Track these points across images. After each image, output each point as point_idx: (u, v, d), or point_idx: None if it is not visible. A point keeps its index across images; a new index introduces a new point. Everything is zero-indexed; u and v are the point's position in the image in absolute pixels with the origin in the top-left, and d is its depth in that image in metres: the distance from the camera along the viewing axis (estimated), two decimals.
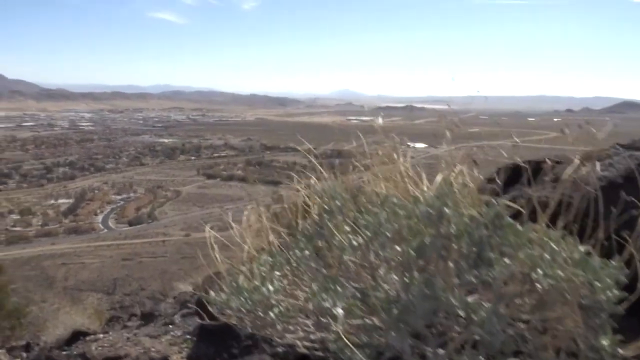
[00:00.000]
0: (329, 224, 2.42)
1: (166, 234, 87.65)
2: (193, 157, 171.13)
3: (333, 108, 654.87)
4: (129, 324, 6.34)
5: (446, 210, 1.96)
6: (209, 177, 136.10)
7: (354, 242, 2.24)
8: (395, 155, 3.12)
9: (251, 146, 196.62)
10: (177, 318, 5.30)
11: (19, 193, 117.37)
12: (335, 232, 2.35)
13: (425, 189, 2.65)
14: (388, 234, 2.12)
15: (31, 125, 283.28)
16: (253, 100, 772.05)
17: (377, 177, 3.01)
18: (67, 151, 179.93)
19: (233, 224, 3.12)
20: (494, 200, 1.99)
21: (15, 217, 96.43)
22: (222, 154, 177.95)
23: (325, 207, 2.58)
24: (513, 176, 3.30)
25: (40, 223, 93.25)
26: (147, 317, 6.18)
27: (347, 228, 2.33)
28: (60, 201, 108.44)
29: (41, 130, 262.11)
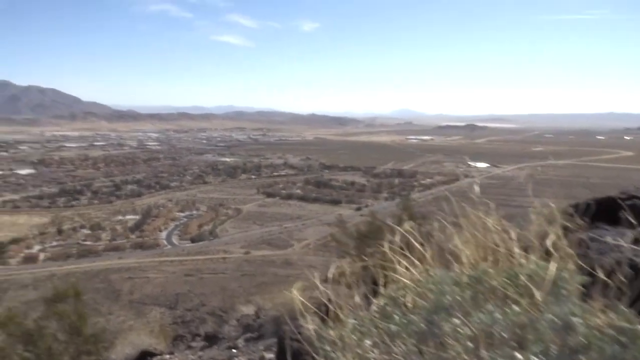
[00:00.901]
0: (443, 324, 2.16)
1: (227, 251, 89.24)
2: (253, 176, 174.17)
3: (392, 127, 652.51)
4: (193, 344, 6.44)
5: (573, 319, 1.77)
6: (269, 195, 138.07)
7: (469, 344, 2.03)
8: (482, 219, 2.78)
9: (310, 165, 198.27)
10: (240, 342, 5.32)
11: (90, 209, 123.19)
12: (451, 336, 2.10)
13: (524, 261, 2.34)
14: (505, 334, 1.93)
15: (102, 145, 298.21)
16: (312, 120, 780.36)
17: (469, 244, 2.72)
18: (135, 169, 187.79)
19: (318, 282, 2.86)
20: (623, 308, 1.77)
21: (86, 231, 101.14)
22: (282, 173, 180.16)
23: (433, 303, 2.28)
24: (602, 211, 2.90)
25: (108, 238, 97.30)
26: (211, 339, 6.25)
27: (461, 330, 2.10)
28: (128, 217, 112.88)
29: (111, 149, 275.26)
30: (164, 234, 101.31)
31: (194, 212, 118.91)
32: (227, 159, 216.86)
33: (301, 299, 2.75)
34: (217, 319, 42.30)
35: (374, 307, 2.48)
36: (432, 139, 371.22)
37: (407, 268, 2.59)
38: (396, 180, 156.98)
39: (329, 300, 2.64)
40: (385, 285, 2.62)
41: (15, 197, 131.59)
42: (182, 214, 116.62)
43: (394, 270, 2.63)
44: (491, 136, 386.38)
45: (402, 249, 2.82)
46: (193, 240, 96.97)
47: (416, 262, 2.64)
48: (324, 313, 2.58)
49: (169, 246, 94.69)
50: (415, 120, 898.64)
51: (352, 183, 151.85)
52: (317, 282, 2.91)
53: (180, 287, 65.84)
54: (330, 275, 2.84)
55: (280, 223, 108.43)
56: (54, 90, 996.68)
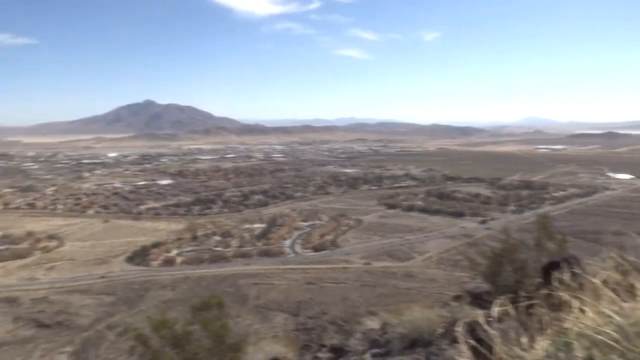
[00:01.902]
0: None
1: (347, 261, 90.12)
2: (375, 187, 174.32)
3: (520, 136, 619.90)
4: (320, 355, 6.49)
5: None
6: (390, 207, 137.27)
7: None
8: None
9: (432, 176, 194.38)
10: (367, 358, 5.27)
11: (220, 217, 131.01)
12: None
13: None
14: None
15: (232, 157, 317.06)
16: (435, 131, 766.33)
17: None
18: (261, 180, 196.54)
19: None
20: None
21: (217, 238, 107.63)
22: (403, 184, 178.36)
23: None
24: None
25: (237, 245, 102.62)
26: (337, 351, 6.26)
27: None
28: (255, 226, 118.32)
29: (240, 161, 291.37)
30: (287, 243, 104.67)
31: (316, 222, 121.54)
32: (349, 170, 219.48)
33: (434, 320, 2.60)
34: (338, 328, 42.72)
35: (540, 352, 2.25)
36: (564, 148, 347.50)
37: (581, 309, 2.29)
38: (524, 193, 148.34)
39: (492, 338, 2.40)
40: (554, 327, 2.38)
41: (157, 205, 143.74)
42: (305, 224, 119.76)
43: (564, 311, 2.37)
44: (635, 145, 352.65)
45: (570, 285, 2.53)
46: (315, 250, 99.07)
47: (591, 301, 2.31)
48: (486, 349, 2.37)
49: (293, 254, 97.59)
50: (546, 128, 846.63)
51: (477, 195, 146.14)
52: (481, 320, 2.66)
53: (302, 294, 67.58)
54: (494, 313, 2.58)
55: (401, 235, 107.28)
56: (190, 108, 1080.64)
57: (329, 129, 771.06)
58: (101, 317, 63.32)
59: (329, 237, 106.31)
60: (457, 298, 6.77)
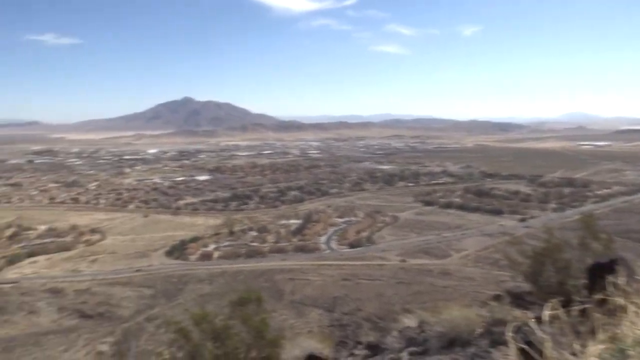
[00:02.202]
0: None
1: (383, 258, 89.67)
2: (411, 184, 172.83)
3: (561, 132, 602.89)
4: (356, 352, 6.44)
5: None
6: (427, 203, 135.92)
7: None
8: None
9: (470, 173, 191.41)
10: (404, 356, 5.19)
11: (257, 213, 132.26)
12: None
13: None
14: None
15: (269, 153, 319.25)
16: (473, 126, 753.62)
17: None
18: (297, 176, 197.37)
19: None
20: None
21: (253, 233, 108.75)
22: (440, 181, 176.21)
23: None
24: None
25: (273, 240, 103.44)
26: (373, 348, 6.19)
27: None
28: (291, 221, 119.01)
29: (277, 157, 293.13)
30: (323, 239, 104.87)
31: (352, 218, 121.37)
32: (385, 167, 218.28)
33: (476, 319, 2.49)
34: (373, 325, 42.58)
35: (593, 358, 2.16)
36: (608, 145, 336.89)
37: (637, 314, 2.18)
38: (566, 190, 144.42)
39: (543, 341, 2.28)
40: (607, 333, 2.24)
41: (195, 200, 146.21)
42: (340, 220, 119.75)
43: (619, 316, 2.23)
44: None
45: (624, 288, 2.39)
46: (351, 246, 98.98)
47: None
48: (536, 353, 2.26)
49: (328, 250, 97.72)
50: (589, 124, 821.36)
51: (516, 192, 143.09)
52: (531, 323, 2.54)
53: (337, 290, 67.63)
54: (545, 316, 2.46)
55: (438, 232, 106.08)
56: (228, 105, 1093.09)
57: (365, 125, 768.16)
58: (141, 309, 64.88)
59: (364, 234, 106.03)
60: (496, 298, 6.61)
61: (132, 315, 62.60)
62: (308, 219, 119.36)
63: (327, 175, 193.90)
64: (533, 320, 2.59)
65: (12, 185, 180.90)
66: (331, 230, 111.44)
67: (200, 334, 7.62)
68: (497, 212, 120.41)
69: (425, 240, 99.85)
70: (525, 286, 6.84)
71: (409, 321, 6.49)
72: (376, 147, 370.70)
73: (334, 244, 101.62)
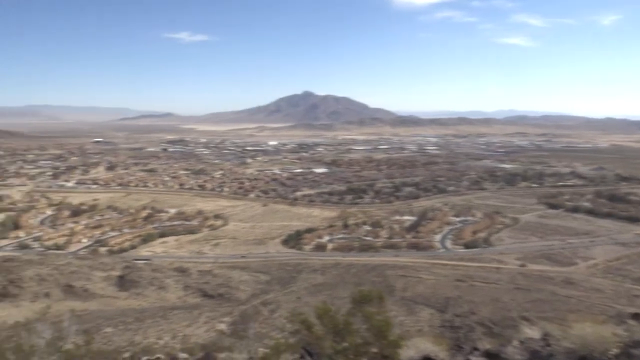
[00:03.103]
0: None
1: (500, 261, 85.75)
2: (535, 185, 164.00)
3: None
4: (472, 358, 6.28)
5: None
6: (551, 206, 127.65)
7: None
8: None
9: (603, 176, 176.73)
10: None
11: (371, 207, 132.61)
12: None
13: None
14: None
15: (385, 148, 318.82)
16: (608, 125, 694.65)
17: None
18: (413, 172, 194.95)
19: None
20: None
21: (367, 228, 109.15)
22: (568, 183, 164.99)
23: None
24: None
25: (386, 235, 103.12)
26: (492, 357, 5.99)
27: None
28: (405, 218, 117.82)
29: (393, 152, 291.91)
30: (438, 237, 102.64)
31: (469, 217, 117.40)
32: (506, 166, 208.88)
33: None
34: (487, 330, 41.01)
35: None
36: None
37: None
38: None
39: None
40: None
41: (311, 192, 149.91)
42: (456, 219, 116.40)
43: None
44: None
45: None
46: (466, 246, 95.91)
47: None
48: None
49: (442, 249, 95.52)
50: None
51: None
52: None
53: (450, 291, 65.80)
54: None
55: (563, 237, 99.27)
56: (346, 99, 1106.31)
57: (487, 121, 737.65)
58: (257, 293, 67.89)
59: (481, 235, 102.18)
60: (635, 316, 6.05)
61: (249, 299, 65.66)
62: (423, 216, 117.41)
63: (445, 173, 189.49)
64: None
65: (148, 171, 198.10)
66: (446, 229, 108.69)
67: (322, 328, 7.84)
68: (634, 220, 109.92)
69: (548, 245, 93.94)
70: None
71: (531, 332, 6.16)
72: (498, 144, 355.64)
73: (448, 243, 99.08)
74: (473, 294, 65.52)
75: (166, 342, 42.45)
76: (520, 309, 55.93)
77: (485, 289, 68.71)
